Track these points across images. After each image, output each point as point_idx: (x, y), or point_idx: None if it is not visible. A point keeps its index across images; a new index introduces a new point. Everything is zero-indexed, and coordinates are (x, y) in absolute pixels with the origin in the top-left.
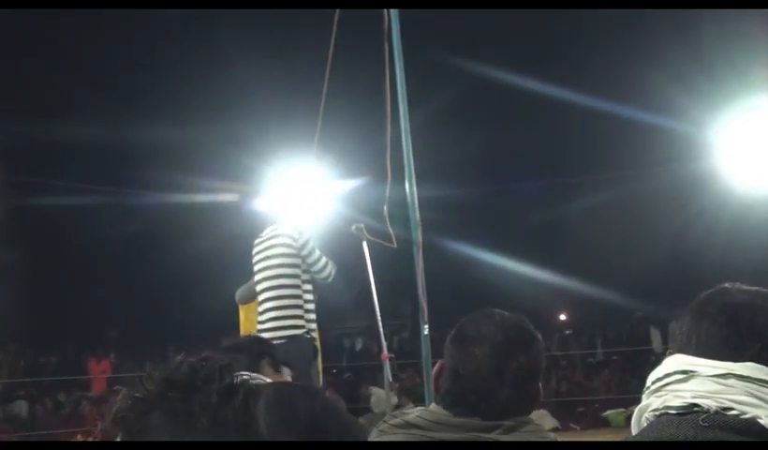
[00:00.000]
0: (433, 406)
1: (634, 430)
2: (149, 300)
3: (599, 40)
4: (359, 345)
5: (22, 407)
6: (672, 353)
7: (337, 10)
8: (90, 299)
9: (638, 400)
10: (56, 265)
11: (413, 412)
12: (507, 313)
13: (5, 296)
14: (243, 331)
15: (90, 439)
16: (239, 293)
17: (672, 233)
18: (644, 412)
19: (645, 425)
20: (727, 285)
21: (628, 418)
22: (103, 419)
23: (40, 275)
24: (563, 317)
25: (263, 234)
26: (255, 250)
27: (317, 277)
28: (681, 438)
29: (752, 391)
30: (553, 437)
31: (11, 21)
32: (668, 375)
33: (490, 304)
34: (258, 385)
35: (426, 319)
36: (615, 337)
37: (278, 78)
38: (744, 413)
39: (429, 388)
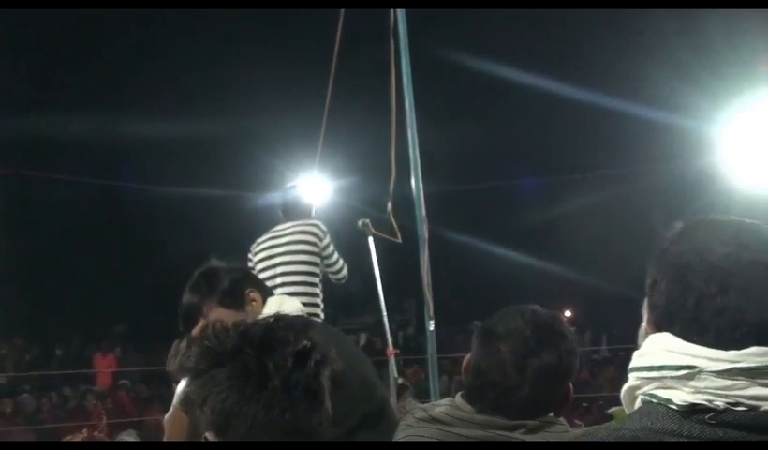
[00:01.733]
0: (458, 400)
1: (625, 406)
2: (154, 295)
3: (601, 36)
4: (362, 340)
5: (28, 401)
6: (654, 327)
7: (342, 10)
8: (96, 293)
9: None
10: (62, 259)
11: (439, 407)
12: (540, 309)
13: (10, 290)
14: None
15: (95, 433)
16: None
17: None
18: (636, 390)
19: (638, 407)
20: (701, 235)
21: None
22: (105, 416)
23: (46, 268)
24: (568, 313)
25: (281, 228)
26: (269, 243)
27: (334, 277)
28: (685, 435)
29: (760, 381)
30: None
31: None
32: (663, 368)
33: (494, 300)
34: (327, 355)
35: (431, 314)
36: (621, 333)
37: (284, 75)
38: (754, 409)
39: (435, 384)
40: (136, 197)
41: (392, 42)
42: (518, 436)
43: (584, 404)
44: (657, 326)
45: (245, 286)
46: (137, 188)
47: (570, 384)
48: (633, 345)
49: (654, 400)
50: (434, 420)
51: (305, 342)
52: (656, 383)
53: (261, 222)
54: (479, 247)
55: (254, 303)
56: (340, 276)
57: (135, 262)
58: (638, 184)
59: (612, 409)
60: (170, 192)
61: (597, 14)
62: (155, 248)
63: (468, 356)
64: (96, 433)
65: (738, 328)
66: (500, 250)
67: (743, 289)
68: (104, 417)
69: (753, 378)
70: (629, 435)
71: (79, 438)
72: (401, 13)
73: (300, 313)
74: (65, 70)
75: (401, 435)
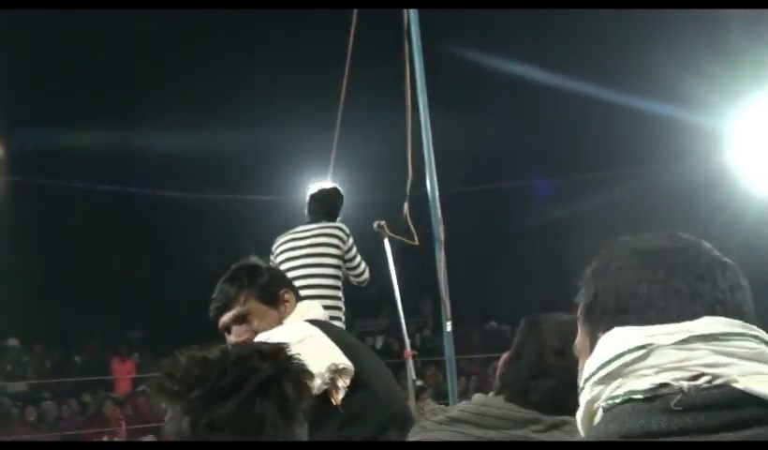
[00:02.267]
0: (477, 396)
1: (584, 430)
2: (172, 302)
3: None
4: (379, 343)
5: (50, 408)
6: (593, 330)
7: (355, 11)
8: (113, 299)
9: None
10: (80, 266)
11: (455, 408)
12: None
13: (29, 298)
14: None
15: (115, 439)
16: None
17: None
18: (596, 402)
19: (601, 417)
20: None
21: None
22: (125, 422)
23: (64, 276)
24: None
25: (304, 229)
26: (291, 244)
27: (356, 280)
28: (654, 429)
29: (717, 349)
30: None
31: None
32: (619, 356)
33: (510, 301)
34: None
35: (449, 316)
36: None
37: (297, 78)
38: (716, 378)
39: (453, 385)
40: (153, 204)
41: (406, 43)
42: (530, 433)
43: None
44: (607, 328)
45: (282, 286)
46: (154, 196)
47: None
48: None
49: (617, 401)
50: (452, 421)
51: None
52: (614, 382)
53: (280, 227)
54: (494, 248)
55: (287, 304)
56: (362, 279)
57: (152, 269)
58: (656, 181)
59: None
60: (189, 199)
61: (613, 11)
62: (172, 256)
63: (507, 353)
64: (115, 439)
65: (694, 302)
66: (517, 250)
67: (688, 267)
68: (123, 423)
69: (709, 343)
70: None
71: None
72: (414, 13)
73: (325, 319)
74: (83, 78)
75: (417, 438)
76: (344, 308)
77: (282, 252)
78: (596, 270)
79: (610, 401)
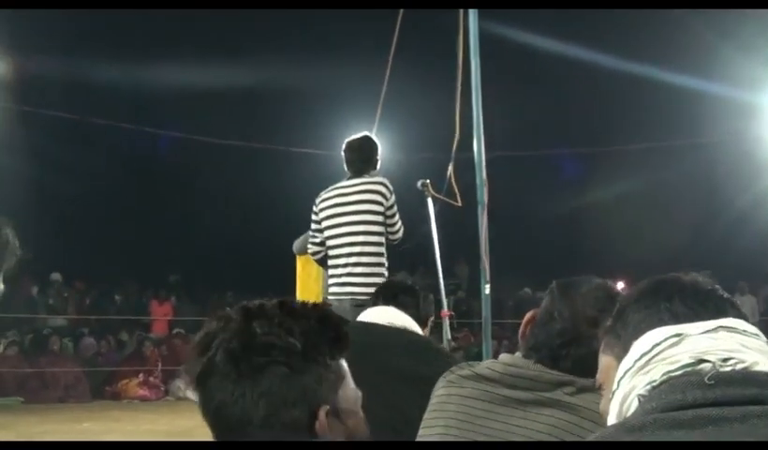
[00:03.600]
0: (503, 355)
1: (613, 421)
2: (209, 245)
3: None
4: None
5: (89, 343)
6: (622, 349)
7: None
8: (154, 242)
9: None
10: (122, 207)
11: (483, 364)
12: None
13: (71, 235)
14: (299, 282)
15: (151, 378)
16: (296, 245)
17: (743, 208)
18: (630, 394)
19: (637, 404)
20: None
21: None
22: (163, 360)
23: (106, 215)
24: (621, 284)
25: (348, 184)
26: (336, 201)
27: (391, 237)
28: (690, 400)
29: (741, 341)
30: None
31: None
32: (656, 345)
33: (545, 269)
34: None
35: (488, 279)
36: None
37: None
38: (742, 362)
39: (488, 347)
40: (194, 150)
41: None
42: (562, 395)
43: None
44: (638, 335)
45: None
46: (196, 141)
47: None
48: None
49: (654, 384)
50: (479, 377)
51: None
52: (651, 369)
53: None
54: (533, 216)
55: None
56: (396, 237)
57: (193, 214)
58: (695, 158)
59: None
60: (230, 146)
61: None
62: (212, 202)
63: (531, 312)
64: (151, 378)
65: (711, 302)
66: (554, 220)
67: (708, 292)
68: (160, 363)
69: (732, 334)
70: (637, 424)
71: (134, 382)
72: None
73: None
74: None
75: (441, 391)
76: (386, 264)
77: (326, 208)
78: (620, 308)
79: (648, 386)
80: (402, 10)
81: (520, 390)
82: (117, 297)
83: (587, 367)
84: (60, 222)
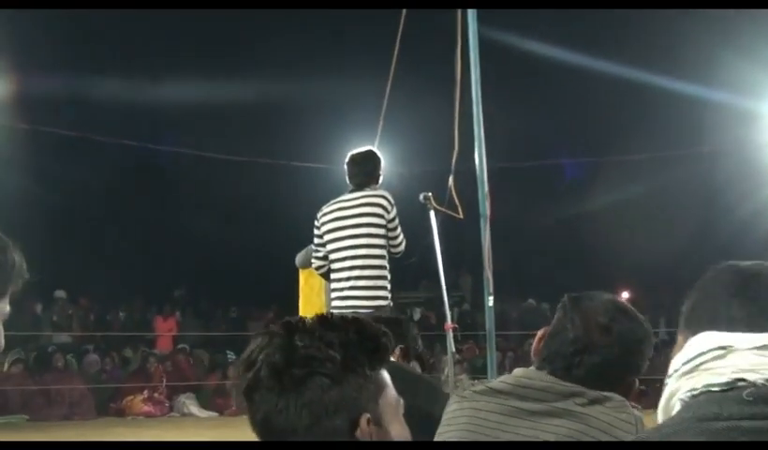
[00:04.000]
0: (517, 370)
1: (662, 417)
2: (214, 261)
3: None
4: (417, 315)
5: (93, 360)
6: (687, 335)
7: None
8: (157, 257)
9: None
10: (126, 224)
11: (497, 378)
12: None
13: (76, 252)
14: (302, 295)
15: (155, 395)
16: (299, 258)
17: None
18: (675, 395)
19: (679, 407)
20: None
21: None
22: (167, 377)
23: (110, 232)
24: (626, 294)
25: (349, 198)
26: (337, 215)
27: (393, 250)
28: (725, 415)
29: None
30: (638, 415)
31: None
32: (701, 354)
33: (549, 280)
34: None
35: (491, 291)
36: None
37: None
38: None
39: (492, 359)
40: (198, 165)
41: (459, 17)
42: (573, 406)
43: (642, 387)
44: (695, 333)
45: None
46: (199, 157)
47: (636, 379)
48: None
49: (695, 393)
50: (493, 391)
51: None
52: (694, 377)
53: (321, 191)
54: (535, 227)
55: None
56: (399, 250)
57: (196, 229)
58: (698, 167)
59: None
60: (232, 161)
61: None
62: (215, 217)
63: (544, 329)
64: (155, 395)
65: (763, 315)
66: (556, 231)
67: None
68: (164, 379)
69: None
70: (671, 431)
71: (139, 399)
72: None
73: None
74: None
75: (454, 406)
76: (389, 277)
77: (328, 221)
78: (699, 284)
79: (689, 393)
80: (401, 21)
81: (531, 401)
82: (121, 314)
83: (600, 375)
84: (63, 239)
